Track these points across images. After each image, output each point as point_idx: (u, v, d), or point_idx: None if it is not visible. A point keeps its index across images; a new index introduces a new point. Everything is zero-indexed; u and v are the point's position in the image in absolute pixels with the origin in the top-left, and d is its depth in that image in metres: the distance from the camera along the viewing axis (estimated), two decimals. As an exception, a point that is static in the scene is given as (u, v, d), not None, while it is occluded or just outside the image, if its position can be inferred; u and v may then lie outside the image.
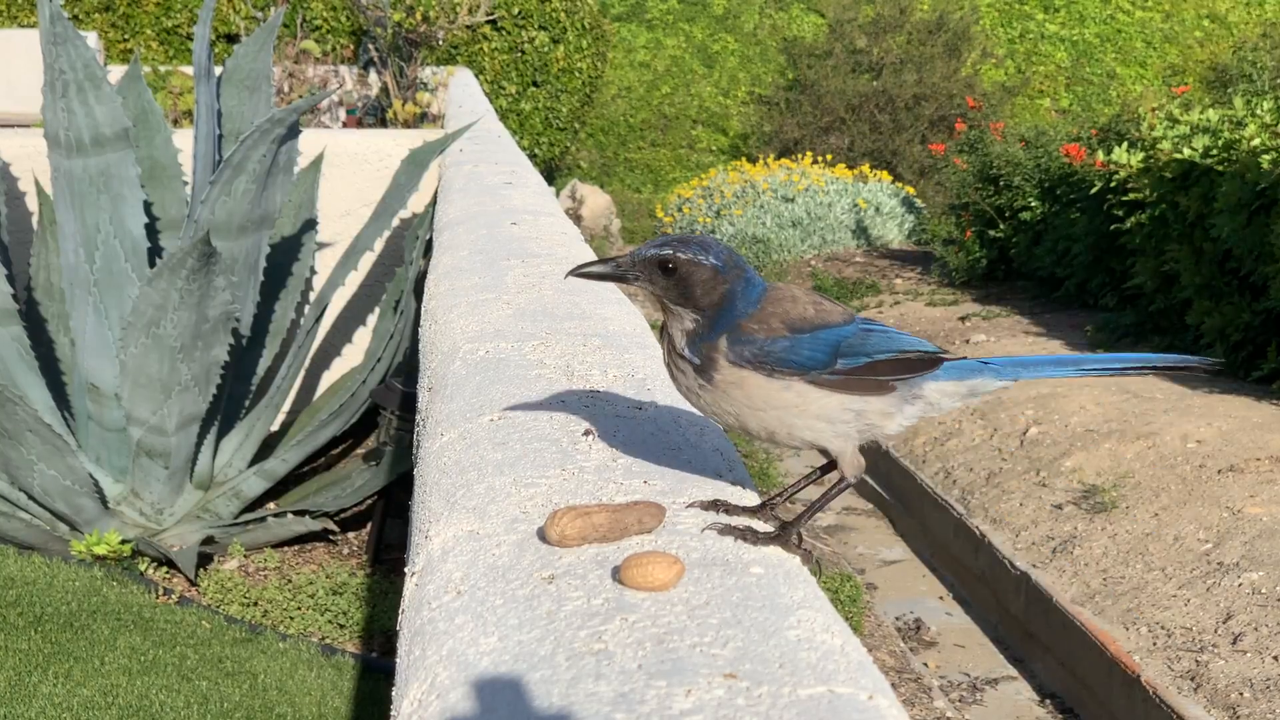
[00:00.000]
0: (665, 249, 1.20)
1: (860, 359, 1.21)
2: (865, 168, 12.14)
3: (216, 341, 3.85)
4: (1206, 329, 6.17)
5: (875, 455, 5.87)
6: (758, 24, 16.21)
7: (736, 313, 1.20)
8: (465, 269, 2.51)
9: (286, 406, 5.05)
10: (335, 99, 7.59)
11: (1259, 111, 5.92)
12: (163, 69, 7.01)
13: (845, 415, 1.23)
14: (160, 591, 3.79)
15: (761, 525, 1.23)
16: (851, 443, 1.25)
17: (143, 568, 4.01)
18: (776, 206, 11.14)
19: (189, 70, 6.80)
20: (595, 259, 1.21)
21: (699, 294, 1.20)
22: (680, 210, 12.14)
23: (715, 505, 1.24)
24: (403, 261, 4.79)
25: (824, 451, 1.27)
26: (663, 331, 1.27)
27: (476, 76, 10.43)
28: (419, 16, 7.42)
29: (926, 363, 1.25)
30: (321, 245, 5.03)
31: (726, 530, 1.18)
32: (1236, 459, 4.68)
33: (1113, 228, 7.12)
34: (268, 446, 4.67)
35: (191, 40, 10.74)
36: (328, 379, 5.38)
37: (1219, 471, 4.61)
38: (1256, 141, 5.56)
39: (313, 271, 4.75)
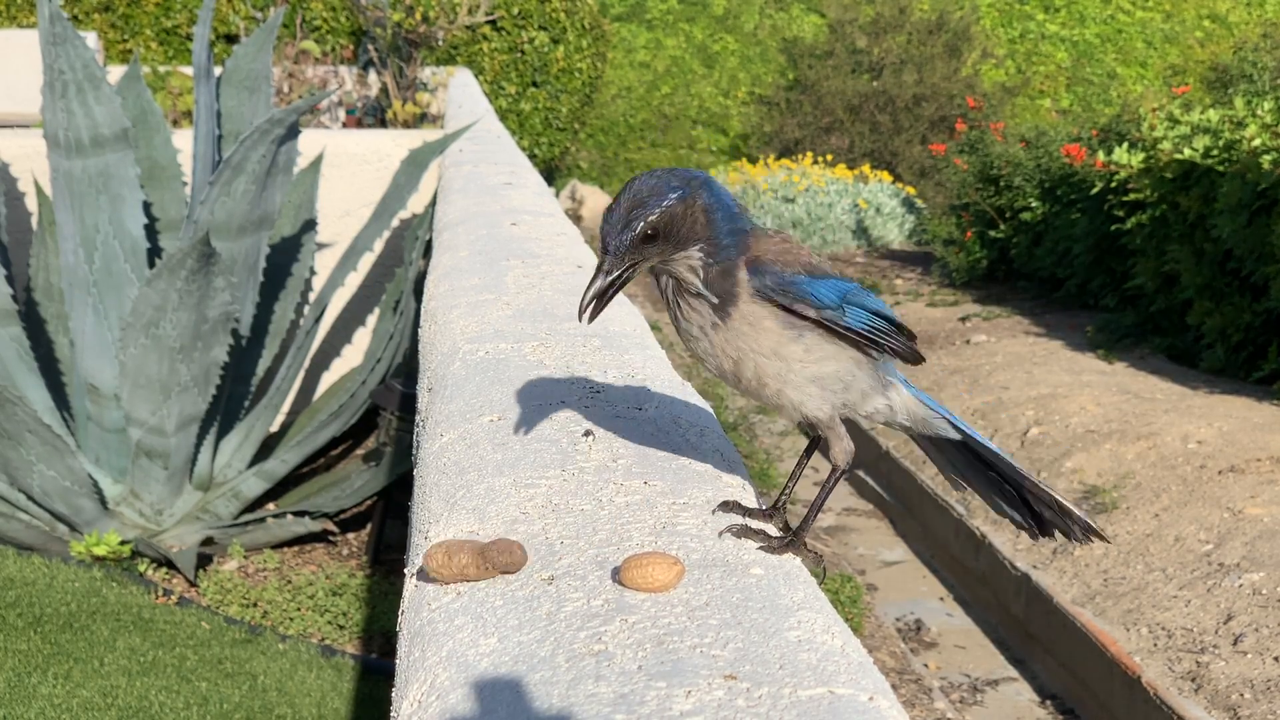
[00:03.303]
0: (636, 221, 1.12)
1: (863, 313, 1.19)
2: (865, 168, 12.15)
3: (216, 342, 3.85)
4: (1207, 329, 6.17)
5: (876, 456, 5.86)
6: (758, 24, 16.21)
7: (728, 230, 1.15)
8: (465, 269, 2.51)
9: (286, 407, 5.05)
10: (335, 99, 7.59)
11: (1259, 112, 5.91)
12: (162, 69, 7.01)
13: (836, 384, 1.21)
14: (160, 592, 3.79)
15: (774, 530, 1.22)
16: (834, 414, 1.22)
17: (142, 568, 4.00)
18: (777, 207, 11.14)
19: (189, 70, 6.80)
20: (589, 284, 1.14)
21: (686, 232, 1.14)
22: (680, 211, 12.14)
23: (728, 506, 1.23)
24: (402, 262, 4.79)
25: (808, 425, 1.24)
26: (662, 286, 1.21)
27: (476, 77, 10.43)
28: (419, 17, 7.42)
29: (907, 355, 1.24)
30: (321, 245, 5.03)
31: (743, 532, 1.16)
32: (1237, 460, 4.68)
33: (1113, 228, 7.12)
34: (267, 447, 4.67)
35: (191, 40, 10.74)
36: (327, 379, 5.38)
37: (1219, 472, 4.61)
38: (1257, 142, 5.55)
39: (312, 272, 4.74)
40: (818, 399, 1.21)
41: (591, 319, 1.16)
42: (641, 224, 1.12)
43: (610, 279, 1.14)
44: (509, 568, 1.08)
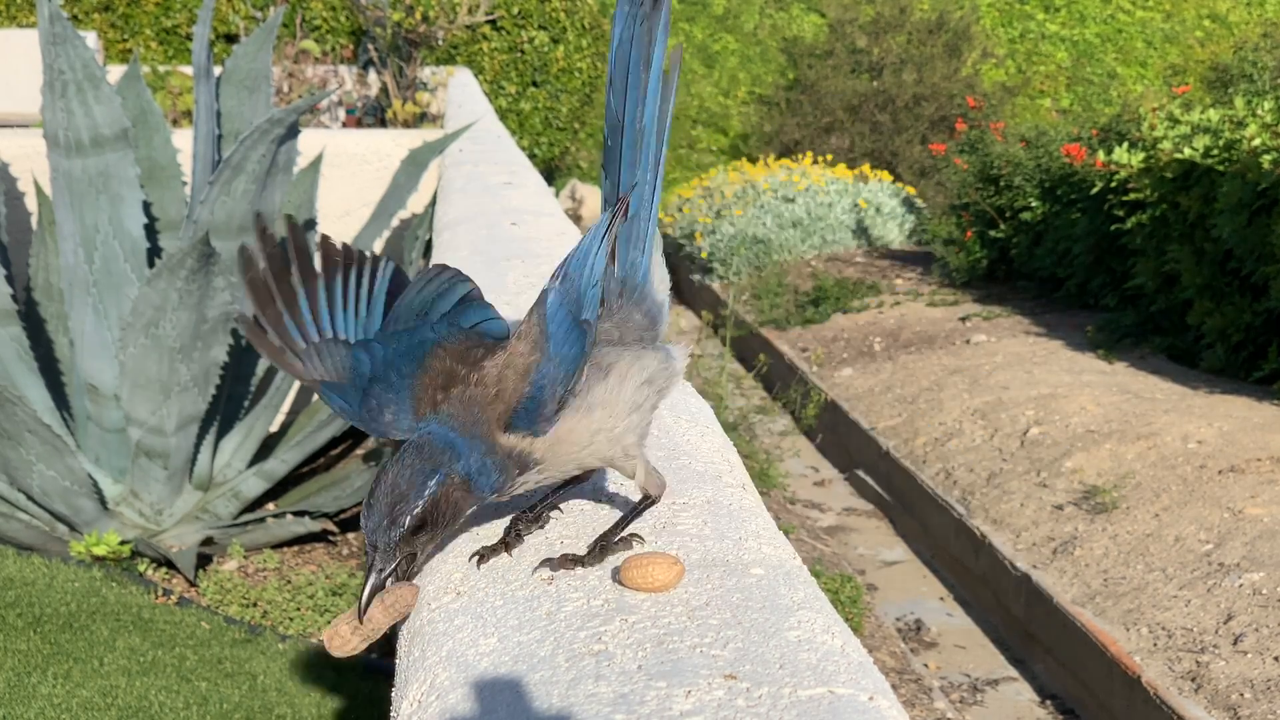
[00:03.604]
0: (402, 516, 1.09)
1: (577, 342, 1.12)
2: (865, 168, 12.13)
3: (216, 342, 3.85)
4: (1207, 329, 6.16)
5: (876, 455, 5.86)
6: (758, 24, 16.21)
7: (486, 482, 1.12)
8: (465, 269, 2.50)
9: (286, 407, 5.05)
10: (335, 99, 7.59)
11: (1260, 111, 5.91)
12: (162, 69, 7.01)
13: (646, 394, 1.16)
14: (160, 592, 3.79)
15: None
16: (647, 438, 1.19)
17: (142, 568, 4.00)
18: (777, 207, 11.13)
19: (188, 70, 6.80)
20: (364, 584, 1.10)
21: (452, 511, 1.11)
22: (680, 210, 12.15)
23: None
24: (402, 262, 4.79)
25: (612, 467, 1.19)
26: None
27: (476, 76, 10.43)
28: (419, 16, 7.42)
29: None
30: (321, 245, 5.02)
31: (559, 564, 1.13)
32: (1237, 460, 4.67)
33: (1113, 228, 7.12)
34: (267, 447, 4.67)
35: (191, 40, 10.73)
36: (327, 379, 5.37)
37: (1219, 472, 4.61)
38: (1257, 142, 5.55)
39: (312, 272, 4.74)
40: (640, 426, 1.18)
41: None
42: (408, 518, 1.09)
43: (384, 575, 1.10)
44: (406, 611, 1.10)
